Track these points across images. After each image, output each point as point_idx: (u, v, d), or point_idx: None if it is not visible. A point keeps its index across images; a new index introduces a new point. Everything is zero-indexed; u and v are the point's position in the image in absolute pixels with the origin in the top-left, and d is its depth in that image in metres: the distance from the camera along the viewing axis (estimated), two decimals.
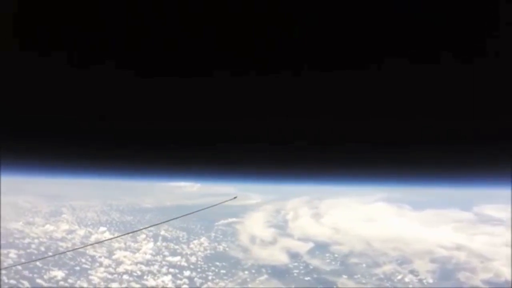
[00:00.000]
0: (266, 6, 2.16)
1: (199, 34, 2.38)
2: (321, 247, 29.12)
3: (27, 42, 2.51)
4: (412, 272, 25.41)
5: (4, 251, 26.74)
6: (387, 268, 26.26)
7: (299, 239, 30.53)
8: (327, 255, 28.34)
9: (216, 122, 3.77)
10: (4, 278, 24.25)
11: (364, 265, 27.01)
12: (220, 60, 2.65)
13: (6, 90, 3.06)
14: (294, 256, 28.52)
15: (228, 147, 4.50)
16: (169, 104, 3.43)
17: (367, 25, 2.23)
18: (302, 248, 29.18)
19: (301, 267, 27.33)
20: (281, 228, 32.88)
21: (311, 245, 29.40)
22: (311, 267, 27.34)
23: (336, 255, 28.20)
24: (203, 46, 2.50)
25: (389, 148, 4.13)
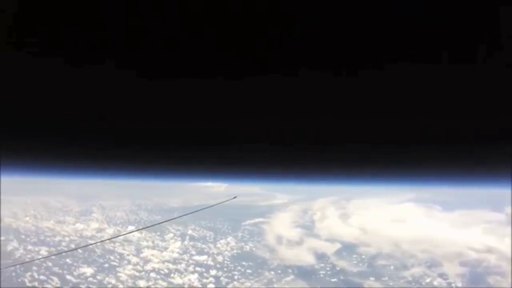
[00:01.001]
0: (266, 6, 2.16)
1: (199, 34, 2.38)
2: (348, 248, 28.62)
3: (27, 42, 2.51)
4: (441, 275, 24.61)
5: (35, 248, 27.39)
6: (416, 270, 25.46)
7: (326, 240, 30.10)
8: (354, 256, 27.81)
9: (216, 122, 3.77)
10: (35, 274, 24.60)
11: (392, 267, 26.32)
12: (220, 60, 2.65)
13: (6, 90, 3.06)
14: (320, 256, 28.10)
15: (228, 147, 4.50)
16: (169, 104, 3.43)
17: (367, 25, 2.23)
18: (329, 248, 28.73)
19: (328, 268, 26.88)
20: (308, 228, 32.56)
21: (338, 246, 28.94)
22: (337, 268, 26.84)
23: (363, 257, 27.61)
24: (203, 46, 2.50)
25: (389, 148, 4.13)
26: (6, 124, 3.68)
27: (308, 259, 27.97)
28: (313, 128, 3.76)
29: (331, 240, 29.75)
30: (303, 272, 26.62)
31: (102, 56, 2.69)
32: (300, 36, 2.38)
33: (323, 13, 2.18)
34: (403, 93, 2.92)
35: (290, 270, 26.74)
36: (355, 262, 27.20)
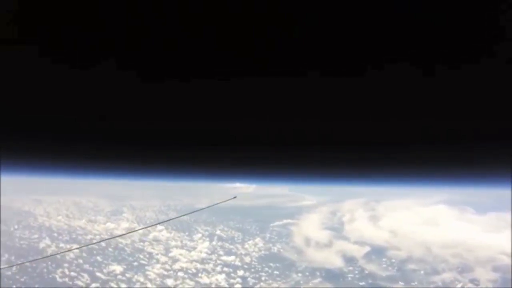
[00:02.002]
0: (266, 6, 2.16)
1: (199, 34, 2.38)
2: (377, 252, 28.17)
3: (27, 42, 2.51)
4: (472, 281, 23.97)
5: (67, 245, 28.40)
6: (447, 276, 24.90)
7: (355, 243, 29.76)
8: (383, 260, 27.39)
9: (216, 122, 3.77)
10: (66, 271, 25.23)
11: (422, 272, 25.72)
12: (220, 60, 2.65)
13: (6, 90, 3.06)
14: (349, 260, 27.76)
15: (228, 147, 4.51)
16: (169, 104, 3.43)
17: (367, 25, 2.23)
18: (358, 252, 28.38)
19: (356, 272, 26.50)
20: (337, 230, 32.40)
21: (367, 249, 28.54)
22: (366, 272, 26.46)
23: (393, 260, 27.17)
24: (203, 46, 2.50)
25: (389, 148, 4.14)
26: (6, 124, 3.68)
27: (337, 262, 27.74)
28: (313, 128, 3.77)
29: (360, 243, 29.55)
30: (331, 275, 26.29)
31: (102, 56, 2.69)
32: (300, 36, 2.38)
33: (323, 13, 2.18)
34: (403, 93, 2.92)
35: (318, 273, 26.51)
36: (384, 266, 26.81)
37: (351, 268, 26.93)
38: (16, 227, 31.04)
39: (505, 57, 2.37)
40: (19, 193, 37.11)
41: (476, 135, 3.45)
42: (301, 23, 2.28)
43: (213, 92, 3.12)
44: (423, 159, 4.39)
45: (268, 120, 3.58)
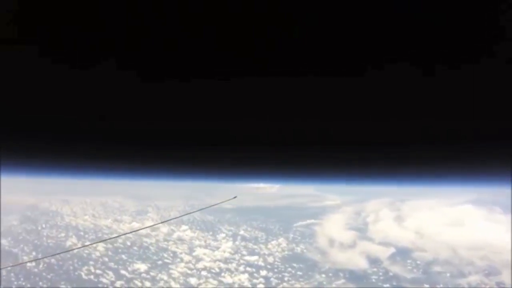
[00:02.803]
0: (266, 6, 2.16)
1: (199, 34, 2.38)
2: (402, 253, 27.47)
3: (27, 42, 2.51)
4: (499, 284, 23.33)
5: (93, 244, 29.31)
6: (473, 279, 24.11)
7: (380, 243, 29.07)
8: (408, 261, 26.67)
9: (216, 122, 3.78)
10: (91, 268, 25.78)
11: (448, 274, 25.03)
12: (220, 60, 2.65)
13: (6, 90, 3.06)
14: (373, 261, 27.15)
15: (228, 147, 4.51)
16: (169, 104, 3.43)
17: (367, 25, 2.23)
18: (383, 253, 27.69)
19: (380, 273, 25.93)
20: (361, 231, 31.70)
21: (392, 250, 27.78)
22: (390, 274, 25.82)
23: (418, 262, 26.45)
24: (203, 46, 2.50)
25: (389, 148, 4.14)
26: (6, 124, 3.68)
27: (361, 263, 27.14)
28: (313, 128, 3.77)
29: (384, 243, 28.75)
30: (355, 277, 25.76)
31: (102, 56, 2.69)
32: (300, 37, 2.38)
33: (323, 13, 2.18)
34: (403, 93, 2.92)
35: (341, 274, 25.99)
36: (409, 267, 26.05)
37: (375, 269, 26.41)
38: (43, 226, 31.86)
39: (505, 57, 2.37)
40: (47, 194, 38.57)
41: (476, 135, 3.45)
42: (301, 23, 2.28)
43: (213, 92, 3.12)
44: (423, 159, 4.39)
45: (268, 120, 3.58)
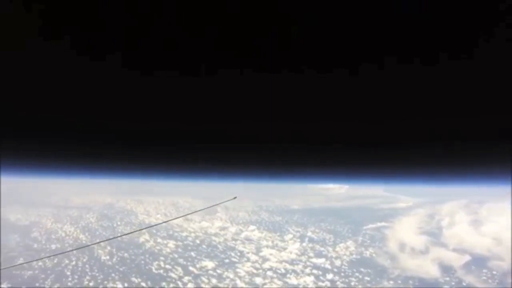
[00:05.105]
0: (266, 6, 2.15)
1: (199, 34, 2.37)
2: (478, 261, 25.32)
3: (27, 42, 2.51)
4: None
5: (164, 241, 30.37)
6: None
7: (454, 250, 27.12)
8: (484, 271, 24.50)
9: (216, 123, 3.77)
10: (161, 263, 26.68)
11: None
12: (220, 60, 2.65)
13: (6, 90, 3.06)
14: (446, 269, 25.16)
15: (227, 147, 4.51)
16: (169, 104, 3.43)
17: (366, 25, 2.23)
18: (457, 260, 25.71)
19: (453, 283, 23.92)
20: (434, 235, 29.95)
21: (467, 258, 25.66)
22: (464, 283, 23.75)
23: (494, 272, 24.30)
24: (203, 46, 2.50)
25: (389, 148, 4.14)
26: (6, 124, 3.68)
27: (432, 270, 25.32)
28: (313, 128, 3.77)
29: (459, 250, 26.84)
30: (425, 285, 24.00)
31: (102, 57, 2.69)
32: (299, 36, 2.38)
33: (323, 13, 2.18)
34: (403, 93, 2.92)
35: (410, 282, 24.35)
36: (484, 278, 23.93)
37: (447, 278, 24.43)
38: (118, 223, 34.02)
39: (505, 57, 2.37)
40: (123, 194, 42.53)
41: (476, 135, 3.46)
42: (300, 23, 2.27)
43: (213, 92, 3.12)
44: (424, 159, 4.39)
45: (267, 119, 3.58)
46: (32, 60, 2.69)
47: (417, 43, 2.34)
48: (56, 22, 2.32)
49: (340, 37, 2.35)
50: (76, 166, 6.01)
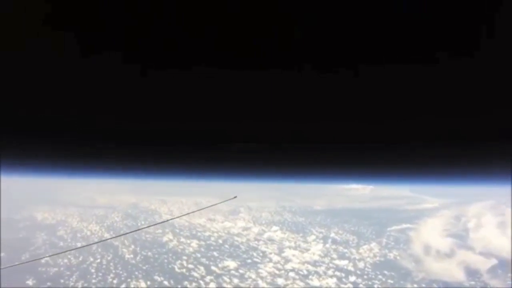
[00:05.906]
0: (266, 6, 2.16)
1: (199, 34, 2.37)
2: (505, 265, 24.57)
3: (27, 42, 2.51)
4: None
5: (187, 240, 30.85)
6: None
7: (481, 253, 26.27)
8: (509, 275, 23.90)
9: (216, 122, 3.78)
10: (184, 263, 26.96)
11: None
12: (220, 60, 2.65)
13: (6, 90, 3.06)
14: (472, 273, 24.41)
15: (228, 147, 4.51)
16: (169, 104, 3.43)
17: (366, 25, 2.23)
18: (483, 264, 24.88)
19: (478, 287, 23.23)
20: (461, 238, 29.14)
21: (493, 261, 24.83)
22: None
23: None
24: (203, 46, 2.50)
25: (389, 148, 4.14)
26: (6, 124, 3.68)
27: (458, 274, 24.61)
28: (312, 128, 3.77)
29: (486, 254, 26.01)
30: None
31: (102, 56, 2.69)
32: (300, 36, 2.38)
33: (323, 13, 2.18)
34: (403, 93, 2.92)
35: (435, 285, 23.80)
36: (509, 282, 23.31)
37: (473, 282, 23.72)
38: (142, 222, 34.39)
39: (505, 57, 2.37)
40: (147, 194, 43.23)
41: (476, 135, 3.46)
42: (301, 23, 2.27)
43: (213, 92, 3.12)
44: (424, 159, 4.39)
45: (267, 119, 3.58)
46: (32, 60, 2.69)
47: (417, 43, 2.34)
48: (56, 22, 2.32)
49: (340, 37, 2.35)
50: (76, 166, 6.02)
